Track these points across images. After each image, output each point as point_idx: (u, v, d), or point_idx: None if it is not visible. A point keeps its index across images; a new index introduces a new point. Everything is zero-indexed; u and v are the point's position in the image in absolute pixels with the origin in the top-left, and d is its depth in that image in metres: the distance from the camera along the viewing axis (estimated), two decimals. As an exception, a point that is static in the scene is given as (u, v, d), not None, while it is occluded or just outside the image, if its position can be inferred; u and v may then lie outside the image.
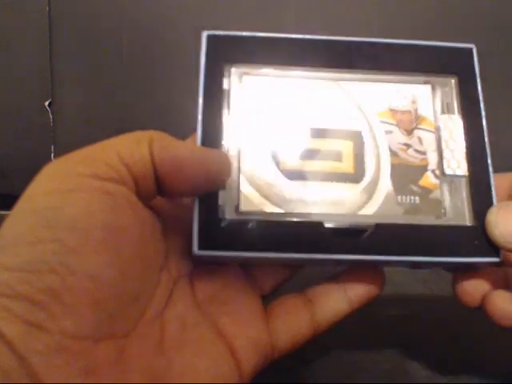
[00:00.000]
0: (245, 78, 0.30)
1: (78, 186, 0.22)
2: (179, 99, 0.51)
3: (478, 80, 0.30)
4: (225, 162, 0.27)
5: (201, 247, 0.26)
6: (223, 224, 0.26)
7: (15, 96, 0.50)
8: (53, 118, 0.51)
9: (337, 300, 0.29)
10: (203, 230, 0.26)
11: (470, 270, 0.29)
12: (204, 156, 0.26)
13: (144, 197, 0.25)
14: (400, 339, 0.38)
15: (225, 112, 0.28)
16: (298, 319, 0.28)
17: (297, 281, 0.31)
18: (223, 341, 0.25)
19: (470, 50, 0.31)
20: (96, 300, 0.21)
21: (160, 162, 0.24)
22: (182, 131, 0.50)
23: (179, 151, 0.25)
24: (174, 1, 0.48)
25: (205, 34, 0.29)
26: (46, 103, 0.50)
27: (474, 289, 0.29)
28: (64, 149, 0.52)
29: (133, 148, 0.24)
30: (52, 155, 0.50)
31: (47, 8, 0.48)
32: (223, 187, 0.27)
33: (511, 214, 0.27)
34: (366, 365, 0.36)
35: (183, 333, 0.25)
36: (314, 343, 0.34)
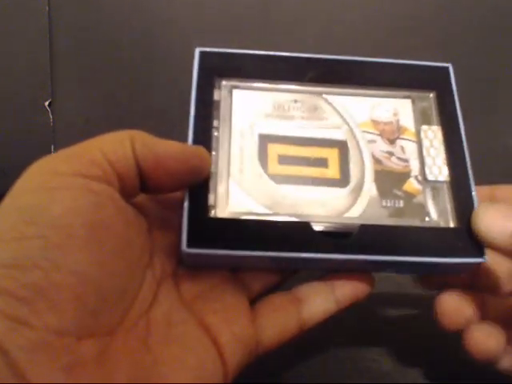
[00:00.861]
0: (234, 90, 0.31)
1: (63, 184, 0.22)
2: (179, 99, 0.51)
3: (455, 94, 0.32)
4: (204, 156, 0.28)
5: (190, 244, 0.26)
6: (212, 222, 0.27)
7: (15, 96, 0.50)
8: (53, 118, 0.50)
9: (324, 299, 0.29)
10: (192, 228, 0.27)
11: (455, 276, 0.31)
12: (184, 151, 0.26)
13: (128, 194, 0.25)
14: (400, 339, 0.38)
15: (215, 121, 0.30)
16: (284, 316, 0.28)
17: (288, 287, 0.31)
18: (209, 337, 0.25)
19: (447, 68, 0.33)
20: (79, 296, 0.21)
21: (143, 158, 0.25)
22: (182, 131, 0.50)
23: (160, 147, 0.26)
24: (173, 1, 0.49)
25: (197, 51, 0.31)
26: (46, 103, 0.50)
27: (455, 311, 0.30)
28: (64, 148, 0.52)
29: (116, 146, 0.25)
30: (52, 155, 0.50)
31: (47, 8, 0.48)
32: (203, 180, 0.28)
33: (496, 212, 0.28)
34: (367, 365, 0.36)
35: (169, 330, 0.25)
36: (314, 343, 0.37)
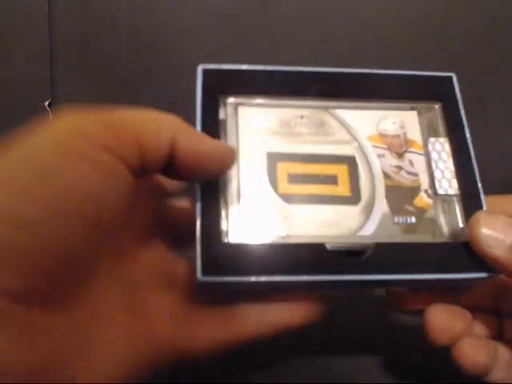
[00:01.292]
0: (240, 108, 0.31)
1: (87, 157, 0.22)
2: (179, 99, 0.51)
3: (461, 104, 0.32)
4: (234, 157, 0.28)
5: (204, 273, 0.26)
6: (226, 249, 0.27)
7: (15, 96, 0.49)
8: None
9: (260, 322, 0.29)
10: (206, 256, 0.26)
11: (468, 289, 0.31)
12: (222, 151, 0.27)
13: (142, 174, 0.25)
14: (401, 339, 0.39)
15: (222, 141, 0.29)
16: (216, 329, 0.28)
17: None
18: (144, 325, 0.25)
19: (450, 78, 0.33)
20: (29, 253, 0.20)
21: (184, 155, 0.25)
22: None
23: (204, 148, 0.25)
24: (174, 1, 0.48)
25: (200, 68, 0.30)
26: (46, 103, 0.49)
27: (443, 326, 0.30)
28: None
29: (154, 136, 0.24)
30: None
31: (46, 8, 0.47)
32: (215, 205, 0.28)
33: (496, 221, 0.28)
34: (367, 365, 0.36)
35: (108, 317, 0.24)
36: (314, 343, 0.37)
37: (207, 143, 0.26)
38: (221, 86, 0.30)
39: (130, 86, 0.50)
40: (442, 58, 0.49)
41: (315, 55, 0.49)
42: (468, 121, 0.32)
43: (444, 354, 0.34)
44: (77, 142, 0.22)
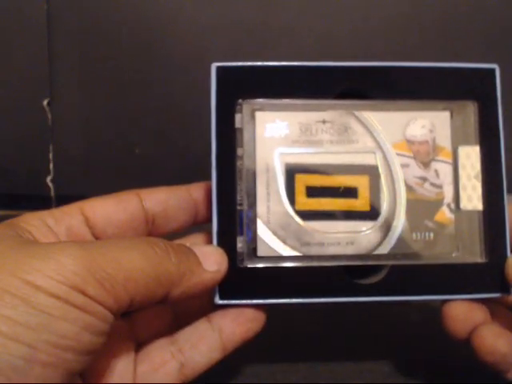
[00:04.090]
0: (257, 114, 0.29)
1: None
2: (179, 99, 0.50)
3: (500, 104, 0.29)
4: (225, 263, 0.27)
5: (222, 297, 0.27)
6: (243, 272, 0.27)
7: (14, 95, 0.49)
8: (51, 118, 0.49)
9: (209, 347, 0.28)
10: (223, 279, 0.27)
11: None
12: (217, 278, 0.27)
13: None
14: (402, 340, 0.38)
15: (239, 150, 0.28)
16: (164, 374, 0.28)
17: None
18: None
19: (493, 70, 0.29)
20: None
21: (178, 298, 0.25)
22: (182, 130, 0.47)
23: (200, 282, 0.26)
24: (174, 2, 0.47)
25: (214, 66, 0.28)
26: (45, 102, 0.49)
27: (463, 317, 0.29)
28: (63, 148, 0.49)
29: (148, 291, 0.24)
30: (50, 155, 0.48)
31: (45, 6, 0.46)
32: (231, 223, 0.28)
33: None
34: (368, 366, 0.35)
35: None
36: (315, 343, 0.36)
37: (201, 276, 0.26)
38: (237, 87, 0.28)
39: (130, 86, 0.49)
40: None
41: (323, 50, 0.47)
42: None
43: (444, 354, 0.35)
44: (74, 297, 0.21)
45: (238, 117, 0.28)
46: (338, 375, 0.34)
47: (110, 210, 0.28)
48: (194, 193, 0.30)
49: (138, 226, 0.29)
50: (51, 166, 0.50)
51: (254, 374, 0.34)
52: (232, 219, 0.28)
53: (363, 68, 0.29)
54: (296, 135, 0.29)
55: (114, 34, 0.47)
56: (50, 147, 0.50)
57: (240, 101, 0.29)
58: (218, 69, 0.28)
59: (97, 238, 0.28)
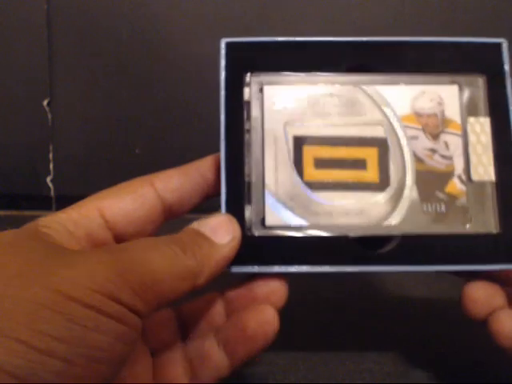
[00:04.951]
0: (265, 87, 0.29)
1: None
2: (179, 97, 0.50)
3: (509, 78, 0.29)
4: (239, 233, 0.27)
5: (234, 264, 0.26)
6: (251, 241, 0.27)
7: (14, 95, 0.49)
8: (51, 118, 0.49)
9: (217, 365, 0.28)
10: None
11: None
12: (235, 246, 0.27)
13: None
14: (402, 340, 0.38)
15: (247, 123, 0.29)
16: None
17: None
18: None
19: (499, 44, 0.30)
20: None
21: (205, 283, 0.26)
22: (182, 130, 0.47)
23: (220, 263, 0.26)
24: (174, 2, 0.47)
25: (223, 42, 0.29)
26: (45, 102, 0.49)
27: (484, 299, 0.29)
28: (63, 148, 0.48)
29: (173, 290, 0.24)
30: (50, 155, 0.48)
31: (45, 6, 0.47)
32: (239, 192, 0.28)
33: None
34: (368, 366, 0.35)
35: None
36: (315, 343, 0.36)
37: (218, 253, 0.26)
38: (245, 62, 0.29)
39: (130, 86, 0.49)
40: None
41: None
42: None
43: (444, 354, 0.35)
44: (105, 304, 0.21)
45: (246, 90, 0.29)
46: (338, 375, 0.34)
47: (128, 208, 0.27)
48: (204, 171, 0.30)
49: (156, 218, 0.28)
50: (51, 166, 0.50)
51: (254, 373, 0.34)
52: (240, 190, 0.28)
53: (371, 43, 0.30)
54: (304, 108, 0.29)
55: (114, 35, 0.48)
56: (50, 147, 0.50)
57: (248, 75, 0.29)
58: (228, 44, 0.29)
59: (117, 237, 0.27)
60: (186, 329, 0.30)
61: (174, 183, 0.29)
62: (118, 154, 0.50)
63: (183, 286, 0.24)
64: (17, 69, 0.48)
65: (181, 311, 0.30)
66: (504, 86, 0.29)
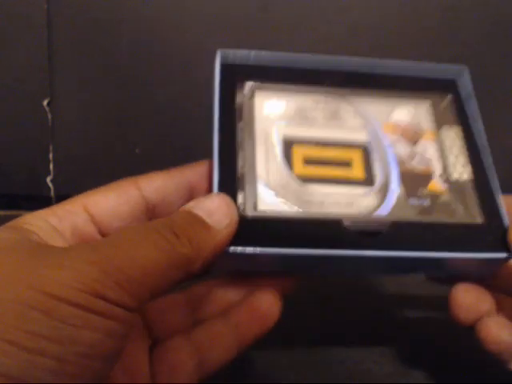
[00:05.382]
0: (257, 92, 0.32)
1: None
2: (179, 97, 0.50)
3: (473, 96, 0.33)
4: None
5: (232, 244, 0.26)
6: (247, 222, 0.27)
7: (14, 95, 0.49)
8: (51, 118, 0.49)
9: (226, 345, 0.28)
10: None
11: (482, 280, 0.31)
12: (232, 230, 0.26)
13: None
14: (402, 341, 0.38)
15: (239, 123, 0.30)
16: (182, 373, 0.28)
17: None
18: None
19: (462, 70, 0.34)
20: None
21: (201, 270, 0.25)
22: (182, 130, 0.47)
23: (217, 248, 0.25)
24: (174, 1, 0.47)
25: (219, 52, 0.31)
26: (45, 102, 0.49)
27: (471, 304, 0.30)
28: (63, 148, 0.48)
29: (167, 279, 0.24)
30: (50, 155, 0.48)
31: (45, 6, 0.46)
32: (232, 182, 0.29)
33: None
34: (368, 366, 0.36)
35: None
36: (315, 344, 0.36)
37: (215, 239, 0.25)
38: (239, 71, 0.32)
39: (130, 85, 0.49)
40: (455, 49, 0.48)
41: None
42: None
43: (444, 354, 0.36)
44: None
45: (239, 94, 0.31)
46: (338, 375, 0.35)
47: (112, 204, 0.28)
48: (189, 176, 0.31)
49: (140, 216, 0.29)
50: (51, 166, 0.50)
51: (254, 373, 0.34)
52: (233, 179, 0.29)
53: (352, 62, 0.33)
54: (292, 112, 0.32)
55: (114, 34, 0.47)
56: (50, 147, 0.50)
57: (242, 81, 0.31)
58: (223, 53, 0.31)
59: (103, 232, 0.28)
60: (195, 313, 0.30)
61: (157, 183, 0.29)
62: (118, 153, 0.51)
63: (177, 275, 0.24)
64: (17, 69, 0.47)
65: (190, 295, 0.30)
66: (470, 102, 0.33)
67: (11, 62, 0.47)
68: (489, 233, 0.29)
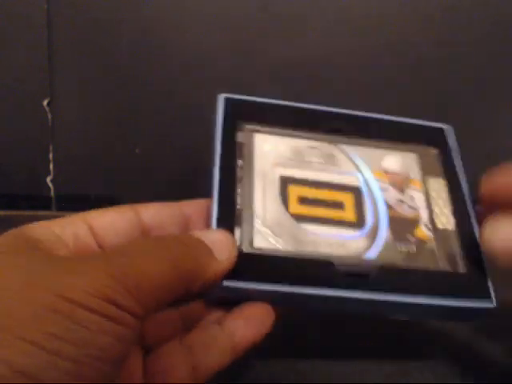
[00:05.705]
0: (256, 134, 0.34)
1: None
2: (179, 98, 0.50)
3: (455, 151, 0.36)
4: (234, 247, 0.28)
5: (227, 278, 0.28)
6: (243, 257, 0.28)
7: (14, 95, 0.49)
8: (51, 118, 0.49)
9: (221, 350, 0.28)
10: None
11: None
12: (229, 265, 0.27)
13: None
14: (403, 341, 0.39)
15: (239, 161, 0.32)
16: (175, 378, 0.28)
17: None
18: None
19: (448, 129, 0.37)
20: None
21: (196, 292, 0.26)
22: (182, 130, 0.47)
23: (215, 275, 0.27)
24: (174, 1, 0.47)
25: (221, 97, 0.34)
26: (45, 102, 0.49)
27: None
28: (63, 148, 0.48)
29: (170, 293, 0.24)
30: (50, 155, 0.48)
31: (45, 6, 0.46)
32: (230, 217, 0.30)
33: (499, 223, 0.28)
34: (368, 366, 0.36)
35: None
36: (315, 343, 0.36)
37: (215, 266, 0.27)
38: (240, 114, 0.33)
39: (131, 85, 0.49)
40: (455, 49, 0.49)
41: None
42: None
43: (444, 354, 0.36)
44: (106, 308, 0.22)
45: (239, 134, 0.33)
46: (338, 375, 0.35)
47: (111, 219, 0.29)
48: (185, 209, 0.32)
49: (135, 235, 0.30)
50: (51, 166, 0.50)
51: (254, 373, 0.35)
52: (231, 214, 0.30)
53: (346, 114, 0.35)
54: (289, 155, 0.33)
55: (114, 34, 0.47)
56: (50, 147, 0.50)
57: (242, 123, 0.33)
58: (226, 99, 0.33)
59: (100, 245, 0.29)
60: (188, 324, 0.30)
61: (154, 210, 0.31)
62: (118, 153, 0.51)
63: (179, 290, 0.25)
64: (17, 69, 0.47)
65: (184, 309, 0.31)
66: (454, 156, 0.35)
67: (11, 61, 0.47)
68: (471, 282, 0.31)
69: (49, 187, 0.51)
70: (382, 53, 0.49)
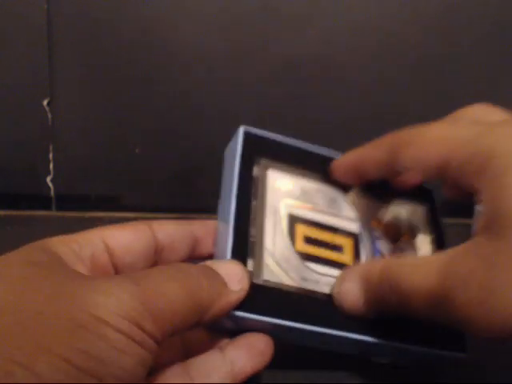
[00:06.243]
0: (269, 170, 0.35)
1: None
2: (179, 98, 0.50)
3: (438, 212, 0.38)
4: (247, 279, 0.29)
5: (239, 309, 0.28)
6: (254, 288, 0.29)
7: (14, 95, 0.49)
8: (51, 118, 0.49)
9: (221, 378, 0.28)
10: None
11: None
12: (242, 296, 0.28)
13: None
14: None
15: (254, 195, 0.33)
16: None
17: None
18: None
19: (430, 191, 0.39)
20: None
21: (208, 322, 0.27)
22: (182, 130, 0.46)
23: (227, 306, 0.27)
24: (174, 1, 0.47)
25: (241, 130, 0.35)
26: (45, 102, 0.49)
27: None
28: (63, 148, 0.48)
29: (185, 321, 0.25)
30: (50, 155, 0.48)
31: (45, 6, 0.46)
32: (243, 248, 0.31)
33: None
34: (368, 366, 0.35)
35: None
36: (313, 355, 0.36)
37: (228, 297, 0.27)
38: (257, 149, 0.35)
39: (131, 85, 0.49)
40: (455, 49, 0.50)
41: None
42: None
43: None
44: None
45: (255, 168, 0.34)
46: (338, 375, 0.35)
47: (127, 239, 0.30)
48: (195, 229, 0.33)
49: (149, 256, 0.31)
50: (51, 166, 0.50)
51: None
52: (245, 246, 0.31)
53: None
54: (298, 193, 0.35)
55: (115, 34, 0.47)
56: (50, 147, 0.50)
57: (259, 157, 0.35)
58: (245, 133, 0.35)
59: (114, 264, 0.29)
60: (189, 346, 0.31)
61: (168, 228, 0.32)
62: (118, 154, 0.51)
63: (193, 319, 0.25)
64: (17, 68, 0.47)
65: (185, 335, 0.31)
66: (437, 215, 0.38)
67: (11, 62, 0.47)
68: (451, 333, 0.31)
69: (49, 187, 0.51)
70: (381, 53, 0.49)
